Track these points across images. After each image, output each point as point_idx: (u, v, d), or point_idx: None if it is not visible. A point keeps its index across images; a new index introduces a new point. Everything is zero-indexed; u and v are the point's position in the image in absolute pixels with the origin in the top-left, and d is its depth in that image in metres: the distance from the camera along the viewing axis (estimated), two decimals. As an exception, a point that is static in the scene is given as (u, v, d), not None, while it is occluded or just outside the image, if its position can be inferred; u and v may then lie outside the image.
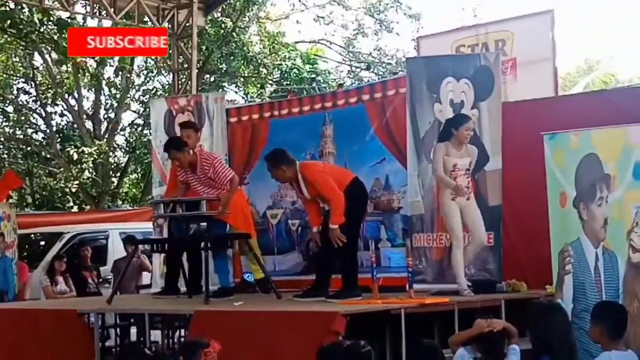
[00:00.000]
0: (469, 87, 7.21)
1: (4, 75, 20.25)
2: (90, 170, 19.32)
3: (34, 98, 20.71)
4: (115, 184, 20.99)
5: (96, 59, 19.58)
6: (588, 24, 38.95)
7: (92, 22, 19.13)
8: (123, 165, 21.50)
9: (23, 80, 20.81)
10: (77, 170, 19.36)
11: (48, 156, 20.51)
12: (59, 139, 20.49)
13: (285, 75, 20.48)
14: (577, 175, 5.86)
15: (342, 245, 6.71)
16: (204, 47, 17.96)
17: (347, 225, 6.76)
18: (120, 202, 21.43)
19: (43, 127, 20.99)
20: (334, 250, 6.79)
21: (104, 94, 21.01)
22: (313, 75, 20.40)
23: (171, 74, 15.27)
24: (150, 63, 20.61)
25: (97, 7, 13.81)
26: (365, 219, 7.60)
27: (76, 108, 20.08)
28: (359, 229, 7.13)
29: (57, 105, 20.72)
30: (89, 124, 20.39)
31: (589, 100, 7.94)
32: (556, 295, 5.76)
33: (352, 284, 6.80)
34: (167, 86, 19.35)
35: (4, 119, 20.67)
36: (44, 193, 21.38)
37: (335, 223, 6.69)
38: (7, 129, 20.63)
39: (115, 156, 21.50)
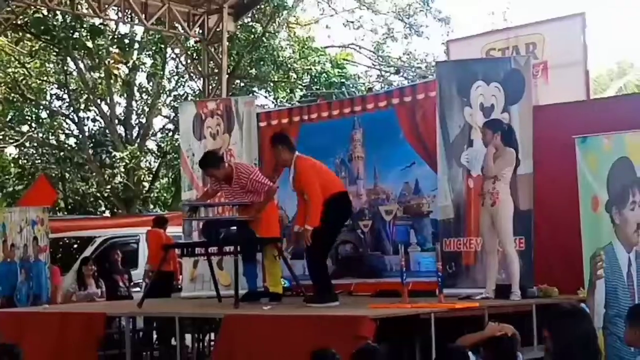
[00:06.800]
0: (499, 90, 7.17)
1: (38, 81, 20.49)
2: (122, 175, 19.48)
3: (67, 104, 20.92)
4: (146, 189, 21.13)
5: (128, 65, 19.80)
6: (620, 27, 38.47)
7: (123, 28, 19.37)
8: (154, 169, 21.65)
9: (56, 86, 21.04)
10: (109, 175, 19.53)
11: (80, 161, 20.69)
12: (92, 144, 20.70)
13: (315, 79, 20.48)
14: (609, 179, 5.80)
15: (313, 251, 6.75)
16: (234, 52, 18.03)
17: (321, 231, 6.74)
18: (151, 207, 21.57)
19: (76, 132, 21.20)
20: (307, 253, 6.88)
21: (136, 100, 21.20)
22: (342, 80, 20.38)
23: (201, 79, 15.36)
24: (181, 69, 20.77)
25: (128, 13, 13.95)
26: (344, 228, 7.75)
27: (108, 113, 20.27)
28: (331, 241, 7.14)
29: (90, 110, 20.92)
30: (120, 129, 20.59)
31: (621, 103, 7.87)
32: (588, 300, 5.68)
33: (329, 289, 6.86)
34: (197, 91, 19.46)
35: (38, 125, 20.91)
36: (76, 197, 21.59)
37: (310, 224, 6.71)
38: (40, 135, 20.86)
39: (147, 161, 21.64)
